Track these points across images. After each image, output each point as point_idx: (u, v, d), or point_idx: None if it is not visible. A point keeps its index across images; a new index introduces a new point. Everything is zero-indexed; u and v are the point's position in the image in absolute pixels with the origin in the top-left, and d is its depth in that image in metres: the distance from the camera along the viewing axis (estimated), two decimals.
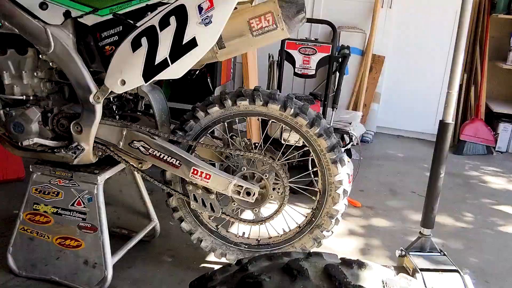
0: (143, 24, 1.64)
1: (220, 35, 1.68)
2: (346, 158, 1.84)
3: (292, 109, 1.76)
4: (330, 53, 3.23)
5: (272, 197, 1.85)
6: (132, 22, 1.69)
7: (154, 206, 2.25)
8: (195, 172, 1.75)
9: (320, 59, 3.28)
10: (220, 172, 1.78)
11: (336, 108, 3.19)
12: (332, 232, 1.91)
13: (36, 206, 1.88)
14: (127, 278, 1.96)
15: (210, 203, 1.83)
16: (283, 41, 3.33)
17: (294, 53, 3.33)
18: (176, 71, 1.65)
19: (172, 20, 1.61)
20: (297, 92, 3.48)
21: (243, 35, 1.68)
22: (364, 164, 3.50)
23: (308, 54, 3.32)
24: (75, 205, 1.84)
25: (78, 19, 1.72)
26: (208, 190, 1.82)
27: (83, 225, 1.83)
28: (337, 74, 3.32)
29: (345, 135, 3.11)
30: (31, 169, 1.89)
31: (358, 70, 4.25)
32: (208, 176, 1.76)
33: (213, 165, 1.91)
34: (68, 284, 1.86)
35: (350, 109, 4.18)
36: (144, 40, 1.64)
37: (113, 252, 1.92)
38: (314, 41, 3.34)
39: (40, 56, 1.79)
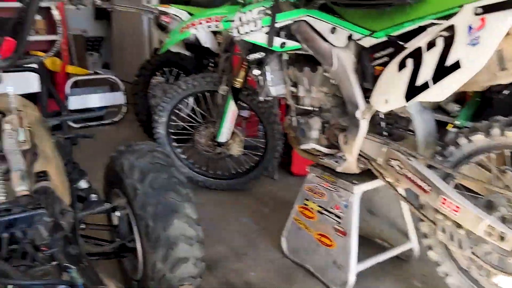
0: (412, 45, 1.66)
1: (502, 55, 1.52)
2: None
3: None
4: None
5: None
6: (402, 43, 1.73)
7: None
8: (444, 201, 1.64)
9: None
10: (474, 208, 1.60)
11: None
12: None
13: (306, 202, 2.18)
14: None
15: (459, 239, 1.67)
16: None
17: None
18: (436, 93, 1.59)
19: (439, 41, 1.56)
20: None
21: None
22: None
23: None
24: (334, 208, 2.04)
25: (358, 42, 1.89)
26: (458, 224, 1.67)
27: (337, 228, 2.01)
28: None
29: None
30: (307, 170, 2.21)
31: None
32: (457, 209, 1.61)
33: None
34: (318, 277, 2.08)
35: None
36: (409, 61, 1.65)
37: (362, 260, 2.02)
38: None
39: (325, 73, 2.05)
